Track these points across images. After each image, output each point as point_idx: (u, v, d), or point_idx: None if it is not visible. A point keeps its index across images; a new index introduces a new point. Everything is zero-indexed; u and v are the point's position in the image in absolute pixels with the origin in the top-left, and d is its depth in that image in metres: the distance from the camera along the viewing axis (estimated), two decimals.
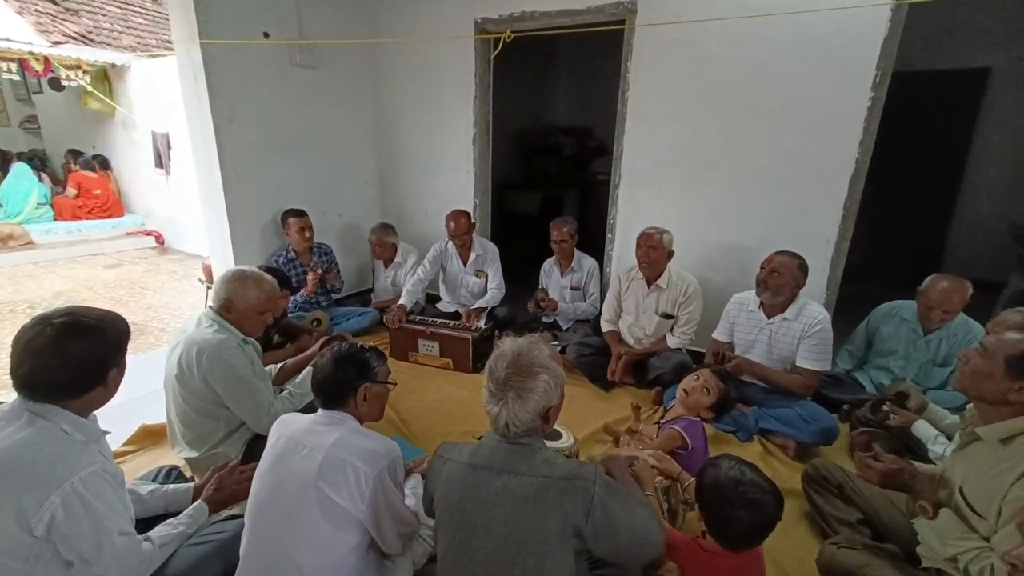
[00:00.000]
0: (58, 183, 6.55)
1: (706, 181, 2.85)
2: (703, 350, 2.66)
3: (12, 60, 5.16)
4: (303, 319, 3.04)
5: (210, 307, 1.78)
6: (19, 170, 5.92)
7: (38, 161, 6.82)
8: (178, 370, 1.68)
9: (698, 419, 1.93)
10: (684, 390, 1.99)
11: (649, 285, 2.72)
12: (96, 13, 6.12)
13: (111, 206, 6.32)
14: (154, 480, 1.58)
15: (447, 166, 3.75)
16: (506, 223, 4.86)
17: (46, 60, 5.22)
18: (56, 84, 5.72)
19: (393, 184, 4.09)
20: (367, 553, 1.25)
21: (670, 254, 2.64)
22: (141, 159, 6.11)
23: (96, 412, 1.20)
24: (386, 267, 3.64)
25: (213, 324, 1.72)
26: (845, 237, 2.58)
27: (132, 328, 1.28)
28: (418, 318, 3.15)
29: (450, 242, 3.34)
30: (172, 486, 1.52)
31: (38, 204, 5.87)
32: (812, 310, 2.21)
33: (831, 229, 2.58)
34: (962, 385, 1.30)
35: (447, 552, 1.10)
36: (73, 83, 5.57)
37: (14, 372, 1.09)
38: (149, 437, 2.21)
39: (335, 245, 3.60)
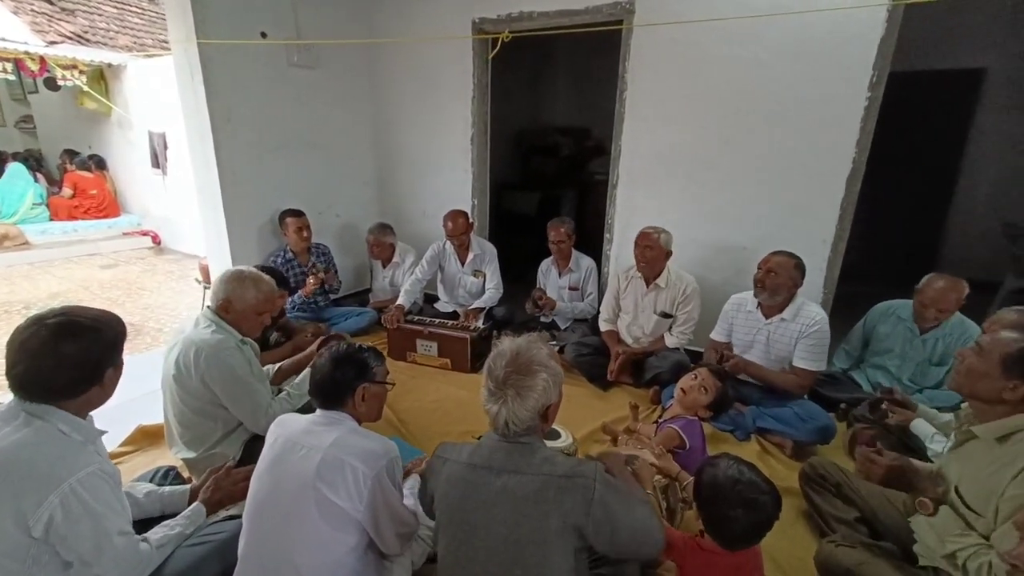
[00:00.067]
0: (54, 183, 6.52)
1: (704, 181, 2.86)
2: (701, 349, 2.67)
3: (8, 60, 5.14)
4: (300, 320, 3.03)
5: (208, 307, 1.78)
6: (14, 170, 5.89)
7: (34, 161, 6.77)
8: (176, 370, 1.67)
9: (696, 418, 1.94)
10: (682, 389, 1.99)
11: (648, 284, 2.72)
12: (92, 13, 6.09)
13: (107, 206, 6.29)
14: (151, 481, 1.57)
15: (445, 166, 3.75)
16: (504, 223, 4.85)
17: (42, 60, 5.20)
18: (52, 84, 5.70)
19: (391, 184, 4.08)
20: (365, 553, 1.24)
21: (668, 254, 2.65)
22: (137, 159, 6.09)
23: (93, 412, 1.20)
24: (384, 267, 3.64)
25: (211, 324, 1.72)
26: (842, 237, 2.59)
27: (129, 328, 1.28)
28: (416, 318, 3.14)
29: (448, 242, 3.33)
30: (168, 488, 1.52)
31: (34, 204, 5.84)
32: (810, 310, 2.22)
33: (828, 229, 2.59)
34: (958, 384, 1.31)
35: (447, 552, 1.10)
36: (69, 83, 5.55)
37: (9, 372, 1.09)
38: (146, 438, 2.20)
39: (333, 245, 3.60)
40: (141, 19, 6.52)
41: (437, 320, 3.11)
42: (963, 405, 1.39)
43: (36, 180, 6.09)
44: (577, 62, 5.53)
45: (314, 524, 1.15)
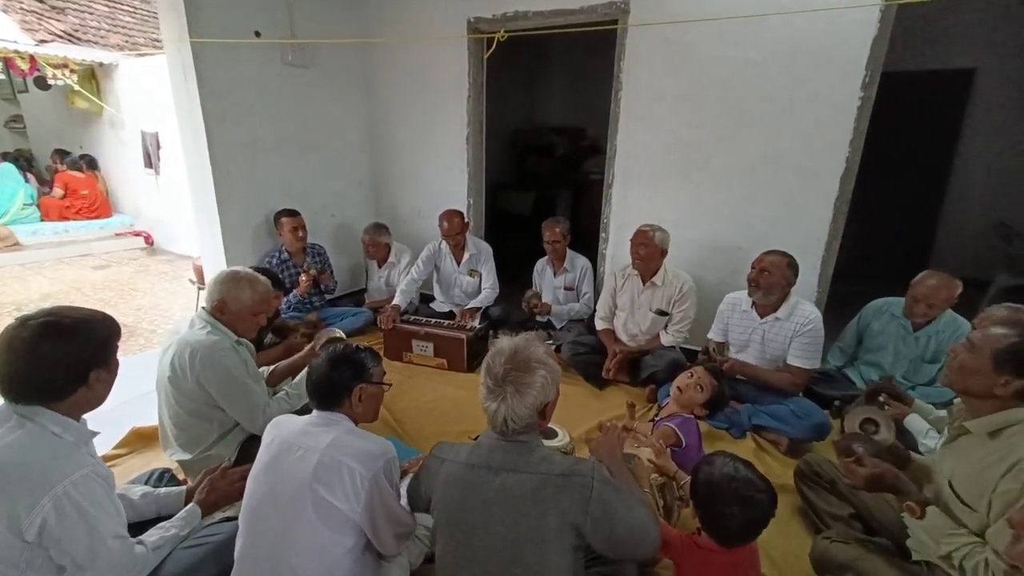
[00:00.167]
0: (44, 183, 6.45)
1: (699, 180, 2.87)
2: (697, 348, 2.68)
3: None
4: (296, 320, 3.02)
5: (203, 308, 1.77)
6: (4, 170, 5.82)
7: (24, 161, 6.70)
8: (171, 372, 1.66)
9: (692, 416, 1.95)
10: (678, 387, 2.00)
11: (644, 282, 2.73)
12: (83, 11, 6.03)
13: (99, 206, 6.24)
14: (146, 483, 1.56)
15: (440, 165, 3.74)
16: (500, 223, 4.86)
17: (32, 59, 5.14)
18: (42, 83, 5.63)
19: (386, 184, 4.07)
20: (363, 554, 1.24)
21: (663, 252, 2.66)
22: (129, 159, 6.04)
23: (87, 414, 1.19)
24: (379, 267, 3.63)
25: (206, 326, 1.71)
26: (836, 236, 2.61)
27: (122, 330, 1.26)
28: (412, 318, 3.14)
29: (444, 242, 3.33)
30: (164, 490, 1.51)
31: (24, 205, 5.78)
32: (804, 309, 2.23)
33: (822, 228, 2.60)
34: (950, 380, 1.32)
35: (446, 552, 1.10)
36: (60, 82, 5.49)
37: None
38: (140, 440, 2.18)
39: (328, 245, 3.59)
40: (133, 17, 6.47)
41: (433, 320, 3.11)
42: (956, 401, 1.41)
43: (26, 180, 6.02)
44: (572, 62, 5.53)
45: (311, 525, 1.15)
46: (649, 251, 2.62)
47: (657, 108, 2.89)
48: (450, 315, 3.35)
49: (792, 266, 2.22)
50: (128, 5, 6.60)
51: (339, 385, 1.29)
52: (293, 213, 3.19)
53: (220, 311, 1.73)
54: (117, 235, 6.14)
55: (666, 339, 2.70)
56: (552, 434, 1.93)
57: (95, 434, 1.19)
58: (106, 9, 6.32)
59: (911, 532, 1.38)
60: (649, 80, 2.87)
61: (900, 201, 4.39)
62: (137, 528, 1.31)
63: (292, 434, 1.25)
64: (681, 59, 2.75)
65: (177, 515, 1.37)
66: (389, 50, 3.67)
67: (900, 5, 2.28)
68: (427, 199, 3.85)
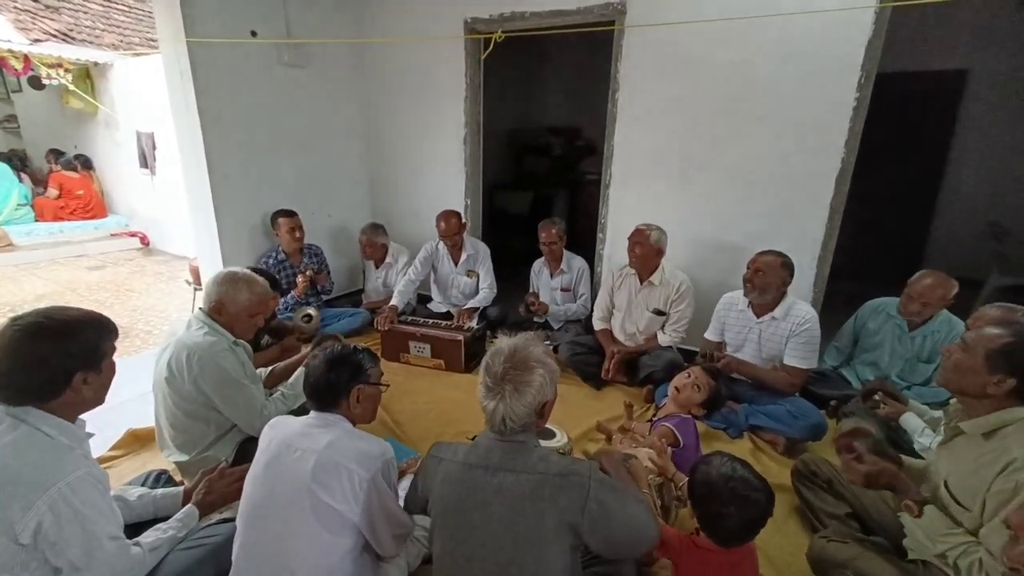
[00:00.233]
0: (39, 183, 6.41)
1: (695, 181, 2.88)
2: (695, 348, 2.69)
3: None
4: (291, 320, 3.01)
5: (200, 309, 1.76)
6: None
7: (18, 161, 6.67)
8: (168, 373, 1.66)
9: (690, 416, 1.96)
10: (675, 387, 2.01)
11: (642, 281, 2.74)
12: (77, 10, 6.00)
13: (94, 207, 6.20)
14: (143, 485, 1.55)
15: (437, 166, 3.74)
16: (497, 223, 4.86)
17: (26, 58, 5.11)
18: (36, 83, 5.60)
19: (383, 184, 4.07)
20: (361, 556, 1.24)
21: (659, 251, 2.66)
22: (124, 159, 6.01)
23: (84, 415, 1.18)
24: (377, 268, 3.62)
25: (203, 327, 1.70)
26: (832, 235, 2.62)
27: (119, 331, 1.25)
28: (409, 319, 3.13)
29: (441, 242, 3.33)
30: (161, 490, 1.50)
31: (18, 205, 5.73)
32: (800, 309, 2.24)
33: (818, 228, 2.62)
34: (945, 379, 1.33)
35: (444, 552, 1.11)
36: (54, 82, 5.46)
37: None
38: (136, 441, 2.17)
39: (325, 246, 3.58)
40: (128, 17, 6.43)
41: (431, 321, 3.10)
42: (951, 401, 1.42)
43: (20, 180, 5.98)
44: (569, 62, 5.54)
45: (309, 527, 1.15)
46: (645, 250, 2.63)
47: (654, 109, 2.89)
48: (447, 316, 3.35)
49: (787, 266, 2.23)
50: (123, 4, 6.57)
51: (337, 386, 1.29)
52: (290, 213, 3.19)
53: (218, 312, 1.73)
54: (112, 235, 6.11)
55: (663, 339, 2.71)
56: (550, 435, 1.93)
57: (90, 435, 1.19)
58: (101, 8, 6.29)
59: (908, 531, 1.39)
60: (646, 81, 2.88)
61: (895, 201, 4.42)
62: (134, 530, 1.30)
63: (290, 435, 1.24)
64: (678, 60, 2.75)
65: (174, 516, 1.37)
66: (386, 50, 3.66)
67: (894, 7, 2.29)
68: (424, 199, 3.85)
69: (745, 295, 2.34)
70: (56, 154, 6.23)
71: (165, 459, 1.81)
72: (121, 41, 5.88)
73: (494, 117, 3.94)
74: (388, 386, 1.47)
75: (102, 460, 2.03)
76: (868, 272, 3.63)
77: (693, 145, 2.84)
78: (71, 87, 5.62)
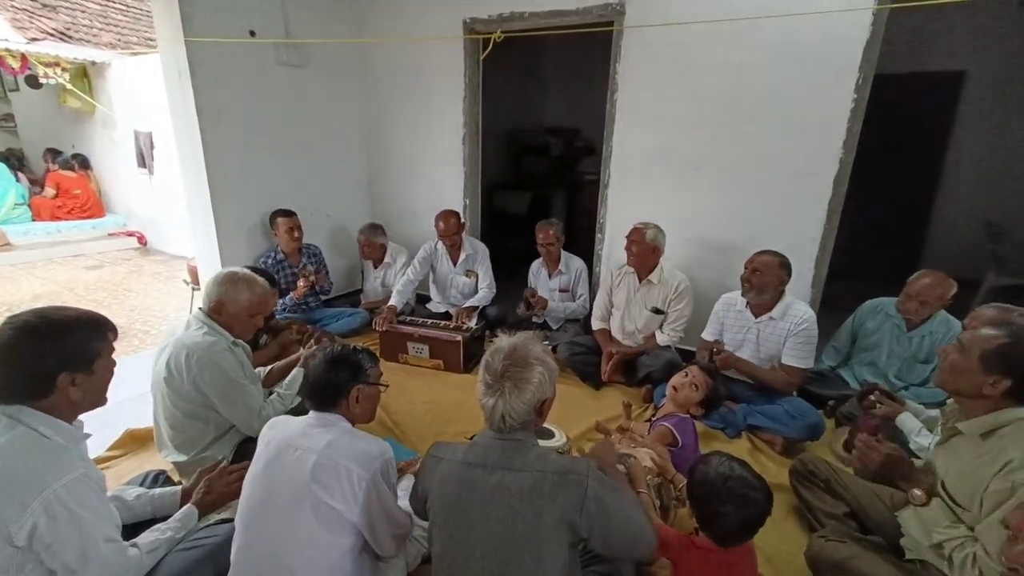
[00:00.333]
0: (36, 183, 6.39)
1: (693, 181, 2.89)
2: (693, 348, 2.70)
3: None
4: (288, 319, 3.01)
5: (200, 309, 1.76)
6: None
7: (15, 160, 6.65)
8: (166, 373, 1.65)
9: (688, 416, 1.96)
10: (673, 387, 2.02)
11: (640, 280, 2.74)
12: (74, 9, 5.97)
13: (91, 206, 6.18)
14: (141, 485, 1.55)
15: (436, 166, 3.74)
16: (496, 223, 4.86)
17: (23, 57, 5.09)
18: (33, 82, 5.58)
19: (382, 184, 4.06)
20: (360, 555, 1.24)
21: (656, 249, 2.66)
22: (122, 158, 5.99)
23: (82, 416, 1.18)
24: (375, 268, 3.62)
25: (203, 327, 1.70)
26: (830, 236, 2.63)
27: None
28: (408, 319, 3.13)
29: (440, 242, 3.33)
30: (159, 490, 1.50)
31: (15, 204, 5.71)
32: (798, 309, 2.25)
33: (816, 228, 2.62)
34: (942, 380, 1.34)
35: (443, 551, 1.11)
36: (51, 81, 5.44)
37: None
38: (135, 442, 2.17)
39: (324, 246, 3.57)
40: (125, 16, 6.41)
41: (429, 321, 3.10)
42: (949, 401, 1.42)
43: (17, 180, 5.96)
44: (568, 63, 5.54)
45: (309, 527, 1.15)
46: (641, 248, 2.64)
47: (652, 109, 2.90)
48: (446, 316, 3.35)
49: (784, 266, 2.23)
50: (121, 3, 6.55)
51: (337, 386, 1.29)
52: (289, 213, 3.18)
53: (217, 312, 1.72)
54: (110, 235, 6.09)
55: (661, 338, 2.71)
56: (548, 434, 1.93)
57: (87, 436, 1.18)
58: (98, 7, 6.27)
59: (905, 530, 1.39)
60: (644, 81, 2.88)
61: (892, 201, 4.43)
62: (132, 530, 1.30)
63: (289, 435, 1.24)
64: (676, 61, 2.76)
65: (173, 516, 1.36)
66: (385, 51, 3.66)
67: (892, 8, 2.30)
68: (423, 199, 3.84)
69: (743, 295, 2.34)
70: (53, 153, 6.22)
71: (163, 459, 1.81)
72: (119, 40, 5.86)
73: (493, 117, 3.94)
74: (387, 386, 1.47)
75: (100, 460, 2.03)
76: (866, 272, 3.65)
77: (691, 145, 2.84)
78: (68, 86, 5.60)
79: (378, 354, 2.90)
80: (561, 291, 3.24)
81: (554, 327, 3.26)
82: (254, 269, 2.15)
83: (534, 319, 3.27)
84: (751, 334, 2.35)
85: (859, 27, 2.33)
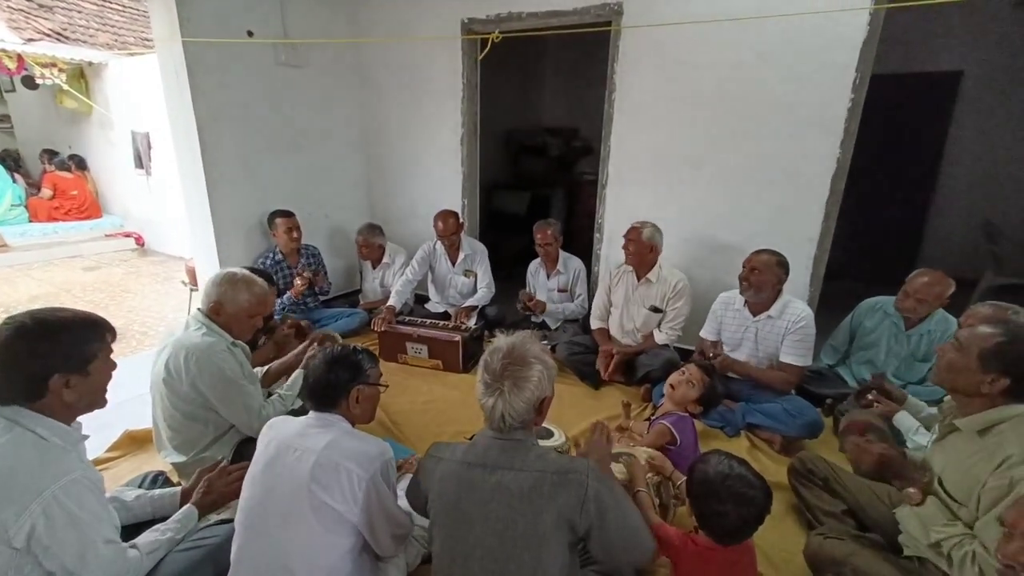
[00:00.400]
0: (33, 184, 6.37)
1: (691, 181, 2.89)
2: (691, 348, 2.70)
3: None
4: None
5: (199, 310, 1.75)
6: None
7: (11, 161, 6.63)
8: (165, 374, 1.65)
9: (687, 414, 1.97)
10: (671, 385, 2.03)
11: (639, 278, 2.75)
12: (71, 10, 5.95)
13: (88, 207, 6.17)
14: (140, 486, 1.55)
15: (435, 166, 3.74)
16: (494, 223, 4.86)
17: (19, 57, 5.07)
18: (30, 82, 5.57)
19: (380, 184, 4.06)
20: (360, 556, 1.24)
21: (652, 248, 2.67)
22: (119, 159, 5.98)
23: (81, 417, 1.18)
24: (374, 268, 3.62)
25: (202, 327, 1.69)
26: (827, 235, 2.63)
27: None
28: (407, 319, 3.13)
29: (438, 242, 3.33)
30: (159, 491, 1.50)
31: (12, 205, 5.70)
32: (795, 307, 2.26)
33: (814, 227, 2.63)
34: (939, 378, 1.34)
35: (443, 551, 1.11)
36: (48, 81, 5.42)
37: None
38: (133, 443, 2.16)
39: (322, 246, 3.57)
40: (122, 16, 6.39)
41: (428, 321, 3.10)
42: (946, 398, 1.43)
43: (14, 181, 5.94)
44: (566, 63, 5.55)
45: (309, 527, 1.15)
46: (638, 247, 2.64)
47: (650, 109, 2.90)
48: (445, 316, 3.35)
49: (782, 264, 2.24)
50: (117, 3, 6.52)
51: (337, 386, 1.29)
52: (288, 214, 3.18)
53: (216, 313, 1.72)
54: (107, 236, 6.07)
55: (660, 337, 2.72)
56: (548, 434, 1.94)
57: (85, 437, 1.18)
58: (95, 7, 6.24)
59: (903, 528, 1.40)
60: (642, 81, 2.89)
61: (890, 201, 4.45)
62: (132, 530, 1.29)
63: (289, 436, 1.24)
64: (674, 61, 2.76)
65: (173, 517, 1.36)
66: (383, 51, 3.66)
67: (889, 9, 2.31)
68: (422, 200, 3.84)
69: (741, 293, 2.35)
70: (50, 154, 6.20)
71: (162, 460, 1.80)
72: (115, 40, 5.84)
73: (491, 117, 3.95)
74: (387, 386, 1.47)
75: (99, 462, 2.02)
76: (864, 271, 3.66)
77: (689, 145, 2.85)
78: (65, 87, 5.58)
79: (377, 354, 2.91)
80: (559, 291, 3.25)
81: (552, 327, 3.27)
82: (253, 270, 2.15)
83: (532, 319, 3.27)
84: (749, 333, 2.36)
85: (856, 27, 2.33)
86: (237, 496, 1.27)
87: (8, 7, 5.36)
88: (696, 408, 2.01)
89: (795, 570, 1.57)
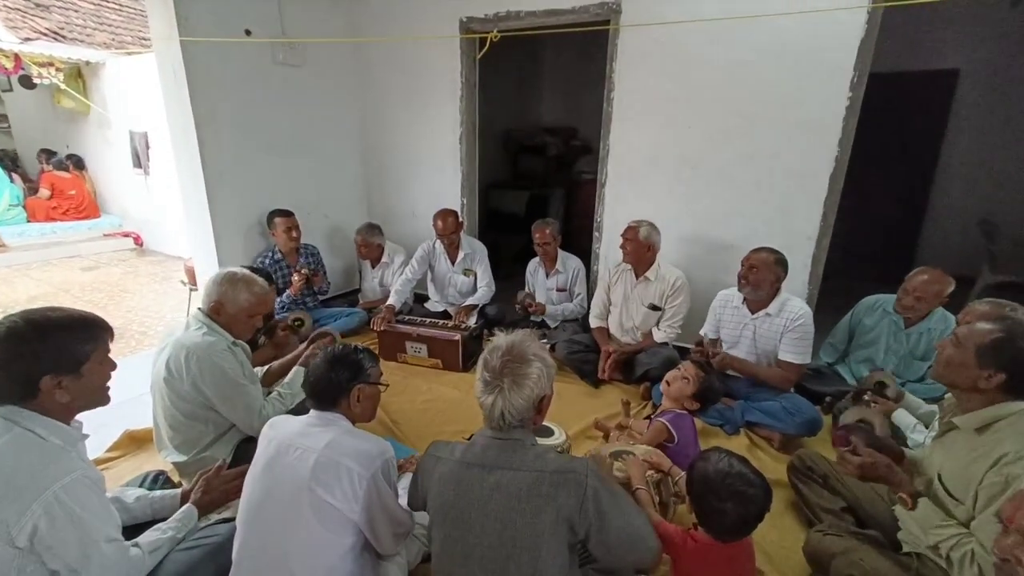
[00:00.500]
0: (31, 184, 6.35)
1: (690, 180, 2.90)
2: (690, 346, 2.70)
3: None
4: (286, 319, 3.00)
5: (199, 309, 1.75)
6: None
7: (9, 161, 6.61)
8: (166, 373, 1.65)
9: (686, 412, 1.97)
10: (667, 381, 2.04)
11: (638, 277, 2.75)
12: (68, 9, 5.94)
13: (86, 207, 6.16)
14: (140, 486, 1.55)
15: (434, 165, 3.74)
16: (493, 222, 4.86)
17: (16, 57, 5.06)
18: (27, 82, 5.55)
19: (379, 184, 4.06)
20: (361, 554, 1.24)
21: (649, 246, 2.67)
22: (117, 159, 5.96)
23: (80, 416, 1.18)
24: (373, 267, 3.62)
25: (202, 327, 1.69)
26: (826, 234, 2.64)
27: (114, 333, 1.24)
28: (407, 318, 3.13)
29: (438, 241, 3.33)
30: (159, 492, 1.50)
31: (10, 206, 5.69)
32: (794, 305, 2.26)
33: (812, 226, 2.64)
34: (938, 374, 1.35)
35: (442, 550, 1.11)
36: (45, 81, 5.41)
37: None
38: (133, 442, 2.16)
39: (321, 246, 3.57)
40: (119, 15, 6.37)
41: (428, 320, 3.10)
42: (946, 396, 1.44)
43: (11, 181, 5.93)
44: (565, 62, 5.55)
45: (309, 526, 1.15)
46: (635, 246, 2.65)
47: (649, 108, 2.90)
48: (445, 315, 3.35)
49: (780, 262, 2.25)
50: (115, 3, 6.51)
51: (337, 385, 1.29)
52: (287, 213, 3.18)
53: (216, 312, 1.72)
54: (105, 236, 6.06)
55: (659, 335, 2.72)
56: (548, 432, 1.94)
57: (85, 437, 1.18)
58: (92, 7, 6.23)
59: (902, 524, 1.41)
60: (641, 80, 2.89)
61: (888, 199, 4.46)
62: (132, 531, 1.29)
63: (290, 435, 1.24)
64: (673, 60, 2.77)
65: (173, 516, 1.36)
66: (382, 50, 3.66)
67: (887, 7, 2.31)
68: (421, 199, 3.84)
69: (740, 291, 2.36)
70: (48, 154, 6.18)
71: (163, 460, 1.80)
72: (113, 40, 5.83)
73: (490, 116, 3.95)
74: (388, 385, 1.47)
75: (99, 462, 2.02)
76: (862, 270, 3.67)
77: (688, 144, 2.85)
78: (62, 86, 5.57)
79: (377, 353, 2.92)
80: (558, 290, 3.25)
81: (552, 325, 3.27)
82: (252, 269, 2.15)
83: (532, 318, 3.27)
84: (748, 330, 2.36)
85: (854, 26, 2.34)
86: (236, 495, 1.28)
87: (5, 6, 5.34)
88: (693, 405, 2.01)
89: (794, 567, 1.57)
